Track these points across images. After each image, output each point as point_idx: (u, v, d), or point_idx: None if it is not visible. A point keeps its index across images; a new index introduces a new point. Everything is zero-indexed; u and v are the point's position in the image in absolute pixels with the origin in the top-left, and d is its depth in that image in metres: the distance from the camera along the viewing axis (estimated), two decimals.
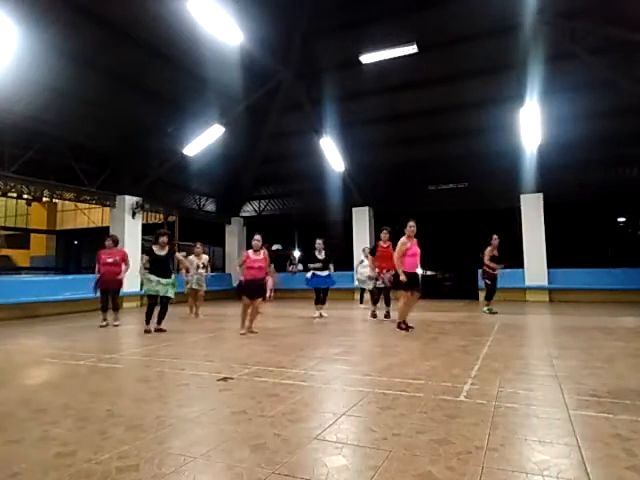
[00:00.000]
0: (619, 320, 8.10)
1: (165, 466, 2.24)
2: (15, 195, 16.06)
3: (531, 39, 10.49)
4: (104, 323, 8.00)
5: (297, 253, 16.91)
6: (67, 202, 16.50)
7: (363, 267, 10.22)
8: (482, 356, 4.82)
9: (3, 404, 3.36)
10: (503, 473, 2.10)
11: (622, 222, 13.85)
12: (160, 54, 10.49)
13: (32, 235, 21.74)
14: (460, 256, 14.35)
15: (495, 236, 9.41)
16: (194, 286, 9.44)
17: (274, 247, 17.73)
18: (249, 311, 6.88)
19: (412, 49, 9.93)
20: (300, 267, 16.21)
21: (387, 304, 8.62)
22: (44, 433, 2.71)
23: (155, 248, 7.17)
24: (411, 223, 6.92)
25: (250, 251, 6.91)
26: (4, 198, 19.20)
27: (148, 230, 12.94)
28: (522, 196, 12.78)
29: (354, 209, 14.90)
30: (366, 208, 14.81)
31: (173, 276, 7.31)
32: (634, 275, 11.49)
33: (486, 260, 9.34)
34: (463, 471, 2.12)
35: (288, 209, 16.47)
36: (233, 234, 16.80)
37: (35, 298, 9.72)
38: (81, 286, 10.61)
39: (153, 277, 7.07)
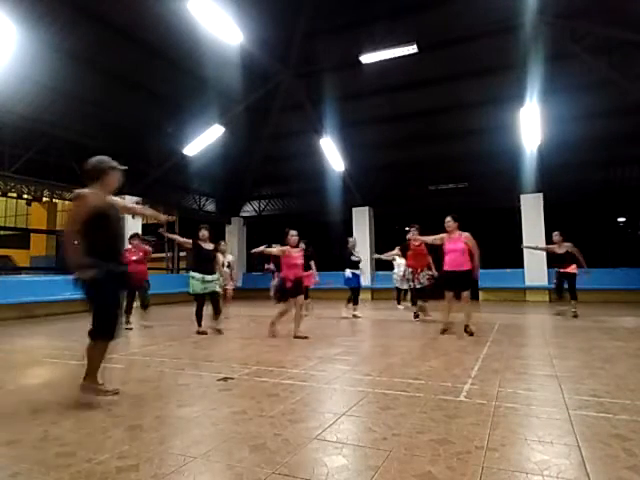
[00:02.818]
0: (619, 320, 8.10)
1: (165, 466, 2.24)
2: (15, 195, 16.07)
3: (531, 39, 10.51)
4: (130, 326, 7.29)
5: None
6: (67, 202, 16.50)
7: (397, 267, 10.23)
8: (482, 356, 4.82)
9: (3, 404, 3.36)
10: (503, 473, 2.10)
11: (622, 222, 13.85)
12: (160, 54, 10.50)
13: (32, 235, 21.74)
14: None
15: (556, 232, 8.82)
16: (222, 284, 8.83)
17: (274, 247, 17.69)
18: (293, 312, 6.31)
19: (412, 49, 9.94)
20: None
21: (413, 304, 8.45)
22: (44, 433, 2.71)
23: (200, 242, 6.84)
24: (448, 218, 6.62)
25: (288, 247, 6.40)
26: (4, 198, 19.20)
27: (148, 230, 12.95)
28: (522, 196, 12.78)
29: (354, 209, 14.90)
30: (366, 208, 14.81)
31: (218, 272, 7.04)
32: (634, 275, 11.49)
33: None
34: (463, 471, 2.12)
35: (288, 209, 16.47)
36: (233, 234, 16.80)
37: (35, 298, 9.72)
38: None
39: (197, 275, 6.70)
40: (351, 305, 8.99)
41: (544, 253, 12.31)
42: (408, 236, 8.26)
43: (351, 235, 14.72)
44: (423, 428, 2.69)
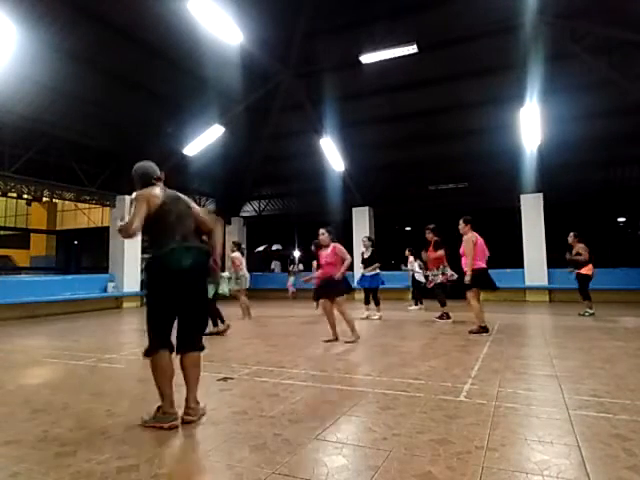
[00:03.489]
0: (619, 320, 8.10)
1: (165, 466, 2.24)
2: (15, 195, 16.06)
3: (531, 39, 10.50)
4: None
5: (297, 253, 16.92)
6: (67, 202, 16.50)
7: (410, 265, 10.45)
8: (482, 356, 4.82)
9: (3, 404, 3.36)
10: (503, 473, 2.10)
11: (622, 222, 13.85)
12: (160, 54, 10.48)
13: (32, 235, 21.75)
14: (460, 256, 14.32)
15: (571, 234, 8.87)
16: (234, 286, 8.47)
17: (274, 247, 17.72)
18: (334, 313, 6.05)
19: (412, 49, 9.92)
20: (301, 267, 16.20)
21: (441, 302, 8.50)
22: (44, 433, 2.71)
23: None
24: (460, 221, 6.80)
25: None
26: (4, 198, 19.21)
27: None
28: (522, 196, 12.77)
29: (354, 209, 14.90)
30: (366, 208, 14.81)
31: (220, 275, 6.66)
32: (634, 275, 11.48)
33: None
34: (463, 471, 2.12)
35: (288, 209, 16.47)
36: (233, 234, 16.80)
37: (35, 298, 9.73)
38: (81, 286, 10.62)
39: None
40: (372, 306, 8.81)
41: (544, 252, 12.32)
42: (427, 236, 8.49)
43: (351, 235, 14.76)
44: (423, 428, 2.69)
